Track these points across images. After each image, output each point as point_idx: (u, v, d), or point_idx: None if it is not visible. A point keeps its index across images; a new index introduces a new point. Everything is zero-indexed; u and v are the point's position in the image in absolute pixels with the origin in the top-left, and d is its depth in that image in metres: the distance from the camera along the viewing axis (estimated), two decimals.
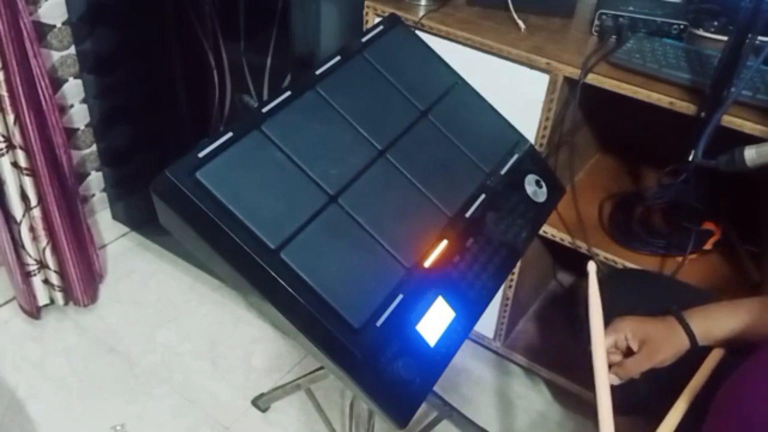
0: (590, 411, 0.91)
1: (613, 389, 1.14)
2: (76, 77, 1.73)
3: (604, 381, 0.92)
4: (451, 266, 0.85)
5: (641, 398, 1.09)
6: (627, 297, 1.10)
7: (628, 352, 0.98)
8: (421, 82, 0.98)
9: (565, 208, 1.42)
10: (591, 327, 0.96)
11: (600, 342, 0.95)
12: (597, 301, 0.97)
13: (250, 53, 1.87)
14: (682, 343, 0.96)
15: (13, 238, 1.59)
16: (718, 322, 0.97)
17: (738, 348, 0.95)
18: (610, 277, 1.28)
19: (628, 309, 1.02)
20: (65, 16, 1.63)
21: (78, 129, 1.80)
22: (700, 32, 1.31)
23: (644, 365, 0.95)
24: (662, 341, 0.96)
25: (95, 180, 1.92)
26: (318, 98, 0.89)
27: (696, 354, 0.99)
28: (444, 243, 0.86)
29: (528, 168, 1.01)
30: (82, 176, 1.88)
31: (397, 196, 0.86)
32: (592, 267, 0.98)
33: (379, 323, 0.77)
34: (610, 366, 0.97)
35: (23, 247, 1.61)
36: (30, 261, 1.64)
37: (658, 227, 1.37)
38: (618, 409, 1.19)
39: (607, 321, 1.00)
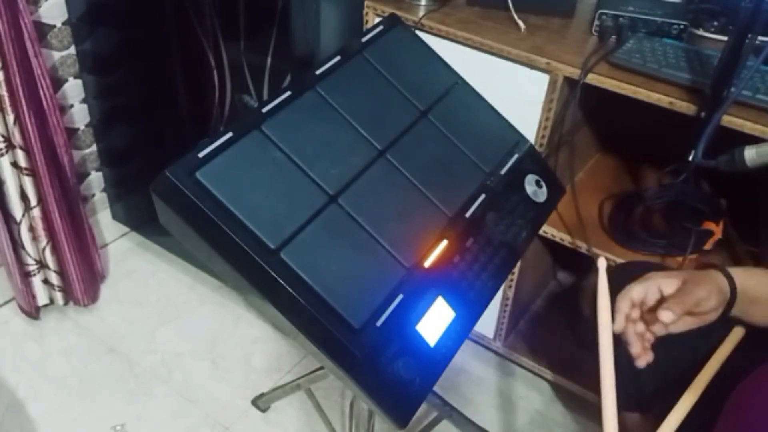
0: (591, 411, 0.92)
1: (620, 385, 1.13)
2: (76, 77, 1.73)
3: (610, 377, 0.90)
4: (451, 266, 0.85)
5: (647, 395, 1.09)
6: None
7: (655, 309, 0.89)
8: (421, 82, 0.98)
9: (565, 208, 1.42)
10: (599, 324, 0.93)
11: (608, 339, 0.93)
12: (606, 300, 0.94)
13: (250, 53, 1.87)
14: (723, 286, 0.88)
15: (12, 238, 1.59)
16: (759, 279, 0.91)
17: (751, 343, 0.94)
18: (615, 270, 1.28)
19: None
20: (65, 16, 1.63)
21: (78, 129, 1.80)
22: (700, 32, 1.31)
23: (687, 301, 0.85)
24: (702, 279, 0.88)
25: (95, 180, 1.92)
26: (318, 98, 0.89)
27: (702, 351, 0.98)
28: (444, 243, 0.86)
29: (528, 168, 1.01)
30: (82, 176, 1.88)
31: (397, 196, 0.86)
32: (602, 263, 0.95)
33: (379, 323, 0.77)
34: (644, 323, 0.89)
35: (23, 247, 1.61)
36: (30, 261, 1.64)
37: (658, 227, 1.37)
38: (624, 405, 1.18)
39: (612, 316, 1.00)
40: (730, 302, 0.89)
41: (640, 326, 0.89)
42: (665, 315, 0.84)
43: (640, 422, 1.20)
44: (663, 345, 1.02)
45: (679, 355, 1.03)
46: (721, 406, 0.84)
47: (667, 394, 1.02)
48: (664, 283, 0.88)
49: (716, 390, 0.92)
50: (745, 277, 0.90)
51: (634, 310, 0.89)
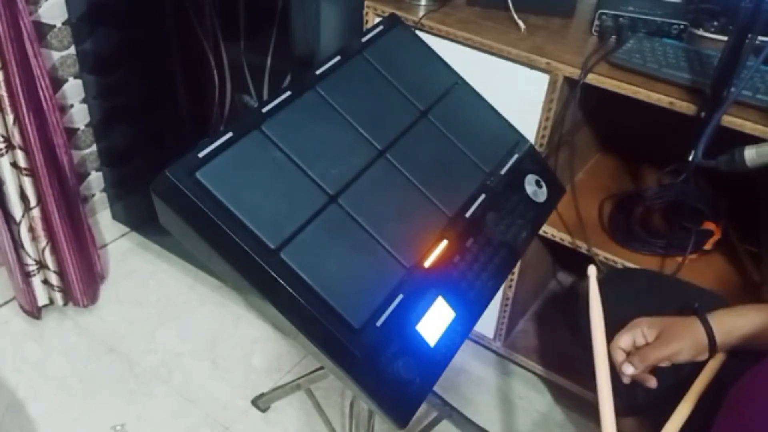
0: (591, 411, 0.92)
1: (613, 392, 1.14)
2: (76, 77, 1.73)
3: (606, 383, 0.91)
4: (451, 266, 0.85)
5: (640, 401, 1.09)
6: (630, 296, 1.10)
7: None
8: (421, 82, 0.98)
9: (565, 208, 1.42)
10: (592, 330, 0.95)
11: (602, 345, 0.94)
12: (598, 306, 0.96)
13: (250, 53, 1.87)
14: (701, 337, 0.94)
15: (12, 238, 1.59)
16: (740, 321, 0.95)
17: (749, 352, 0.95)
18: (612, 277, 1.28)
19: (632, 308, 1.02)
20: (65, 16, 1.63)
21: (78, 129, 1.80)
22: (700, 32, 1.31)
23: (661, 352, 0.93)
24: (679, 330, 0.95)
25: (95, 180, 1.92)
26: (318, 98, 0.89)
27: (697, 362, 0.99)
28: (444, 243, 0.86)
29: (528, 168, 1.01)
30: (82, 176, 1.88)
31: (397, 196, 0.86)
32: (592, 271, 0.98)
33: (379, 323, 0.77)
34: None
35: (23, 247, 1.61)
36: (29, 261, 1.64)
37: (658, 227, 1.37)
38: (618, 410, 1.20)
39: (608, 322, 1.00)
40: (712, 347, 0.95)
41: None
42: (626, 368, 0.93)
43: (635, 427, 1.20)
44: None
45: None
46: (716, 410, 0.84)
47: (659, 400, 1.03)
48: (647, 332, 0.95)
49: (710, 394, 0.92)
50: (723, 319, 0.95)
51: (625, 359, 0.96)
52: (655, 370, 1.04)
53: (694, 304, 0.99)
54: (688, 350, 0.94)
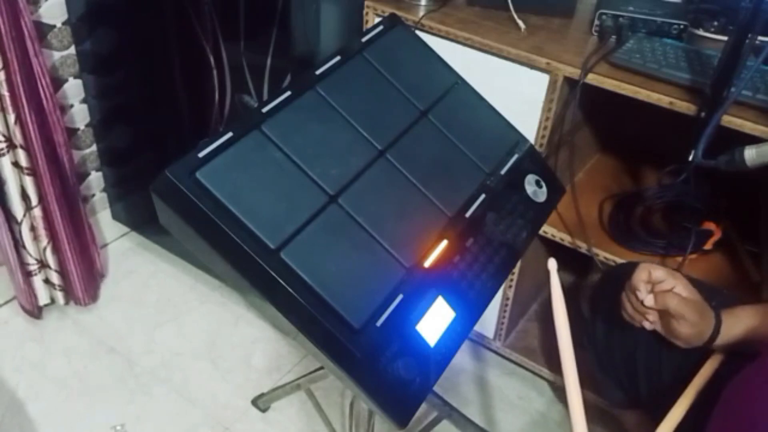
0: (591, 411, 0.92)
1: (618, 386, 1.15)
2: (76, 77, 1.73)
3: (574, 380, 0.92)
4: (451, 266, 0.85)
5: (643, 394, 1.10)
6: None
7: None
8: (421, 82, 0.98)
9: (565, 208, 1.42)
10: (556, 324, 0.96)
11: (567, 340, 0.95)
12: (560, 298, 0.96)
13: (250, 53, 1.87)
14: (707, 331, 0.97)
15: (13, 237, 1.59)
16: (736, 327, 0.98)
17: (744, 351, 0.96)
18: (616, 269, 1.28)
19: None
20: (65, 16, 1.63)
21: (78, 129, 1.80)
22: (700, 32, 1.31)
23: (679, 308, 0.96)
24: (702, 311, 0.98)
25: (95, 180, 1.92)
26: (318, 98, 0.89)
27: (696, 357, 1.00)
28: (444, 243, 0.86)
29: (528, 168, 1.01)
30: (82, 176, 1.88)
31: (397, 196, 0.86)
32: (552, 264, 0.98)
33: (379, 323, 0.77)
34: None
35: (24, 246, 1.61)
36: (30, 260, 1.64)
37: (658, 227, 1.37)
38: (623, 403, 1.20)
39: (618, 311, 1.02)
40: (709, 340, 0.98)
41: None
42: (649, 299, 0.97)
43: (637, 420, 1.21)
44: (657, 349, 1.04)
45: (672, 357, 1.04)
46: (713, 407, 0.85)
47: (661, 394, 1.04)
48: (681, 286, 0.98)
49: (708, 392, 0.93)
50: (727, 323, 0.98)
51: (647, 285, 0.99)
52: (660, 362, 1.04)
53: (712, 302, 1.01)
54: (692, 330, 0.97)
